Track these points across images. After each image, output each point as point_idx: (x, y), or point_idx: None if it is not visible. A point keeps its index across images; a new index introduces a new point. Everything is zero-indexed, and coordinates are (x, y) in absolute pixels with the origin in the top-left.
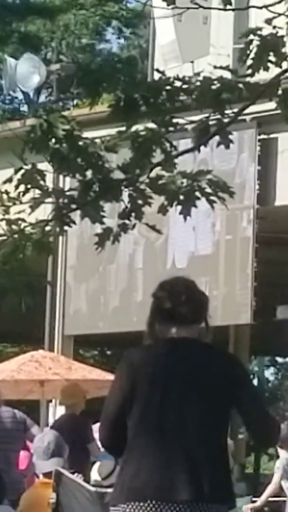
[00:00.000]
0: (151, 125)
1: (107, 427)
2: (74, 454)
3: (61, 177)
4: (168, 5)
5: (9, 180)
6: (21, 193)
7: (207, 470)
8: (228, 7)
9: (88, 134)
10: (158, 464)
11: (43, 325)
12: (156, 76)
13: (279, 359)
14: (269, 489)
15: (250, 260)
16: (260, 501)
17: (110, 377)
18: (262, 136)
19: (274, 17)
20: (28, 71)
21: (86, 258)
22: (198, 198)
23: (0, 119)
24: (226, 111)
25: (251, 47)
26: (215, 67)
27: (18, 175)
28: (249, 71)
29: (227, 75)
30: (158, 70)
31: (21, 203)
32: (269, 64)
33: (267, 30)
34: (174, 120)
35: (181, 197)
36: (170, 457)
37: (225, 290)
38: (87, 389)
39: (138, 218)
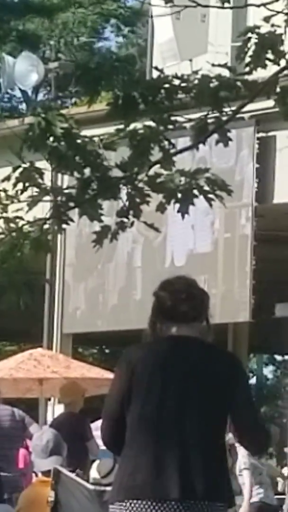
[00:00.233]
0: (150, 123)
1: (109, 426)
2: (73, 452)
3: (59, 175)
4: (166, 3)
5: (7, 178)
6: (19, 192)
7: (203, 469)
8: (226, 5)
9: (86, 132)
10: (155, 462)
11: (42, 323)
12: (155, 74)
13: (278, 357)
14: (246, 493)
15: (249, 258)
16: (244, 508)
17: (109, 375)
18: (261, 134)
19: (272, 15)
20: (26, 69)
21: (84, 257)
22: (196, 196)
23: None
24: (225, 109)
25: (249, 45)
26: (213, 65)
27: (16, 173)
28: (247, 69)
29: (225, 73)
30: (156, 68)
31: (19, 201)
32: (267, 62)
33: (265, 28)
34: (173, 118)
35: (179, 195)
36: (167, 455)
37: (224, 288)
38: (86, 387)
39: (136, 216)
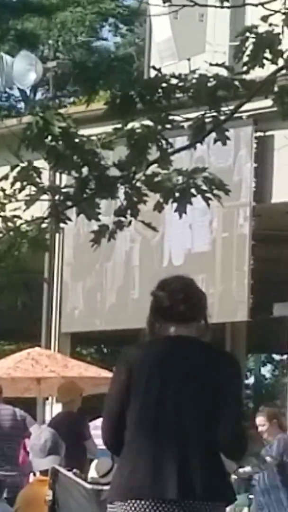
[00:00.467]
0: (147, 122)
1: (109, 426)
2: (71, 451)
3: (57, 174)
4: (164, 2)
5: (5, 177)
6: (17, 190)
7: (202, 469)
8: (224, 4)
9: (84, 131)
10: (154, 463)
11: (40, 322)
12: (152, 73)
13: (276, 356)
14: None
15: (247, 257)
16: None
17: (107, 374)
18: (259, 134)
19: (270, 15)
20: (24, 69)
21: (82, 256)
22: (194, 196)
23: None
24: (222, 109)
25: (247, 44)
26: (211, 64)
27: (14, 172)
28: (245, 68)
29: (223, 72)
30: (154, 68)
31: (17, 200)
32: (265, 62)
33: (263, 28)
34: (170, 118)
35: (177, 194)
36: (166, 456)
37: (222, 288)
38: (84, 386)
39: (134, 216)
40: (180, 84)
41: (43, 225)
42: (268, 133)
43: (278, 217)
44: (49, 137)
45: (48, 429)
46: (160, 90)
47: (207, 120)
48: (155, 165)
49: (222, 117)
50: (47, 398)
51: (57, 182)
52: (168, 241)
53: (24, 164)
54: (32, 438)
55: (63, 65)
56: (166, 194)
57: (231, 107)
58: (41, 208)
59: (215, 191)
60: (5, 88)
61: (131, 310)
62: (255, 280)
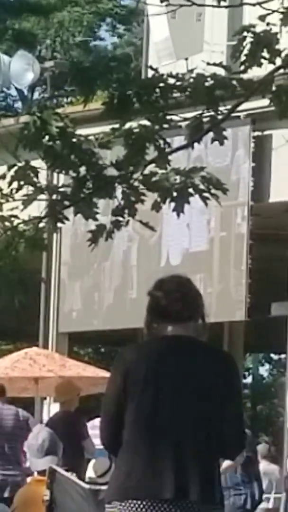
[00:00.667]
0: (145, 122)
1: (108, 427)
2: (68, 451)
3: (54, 174)
4: (161, 2)
5: (3, 177)
6: (14, 190)
7: (198, 469)
8: (222, 4)
9: (82, 131)
10: (151, 463)
11: (38, 322)
12: (150, 73)
13: (274, 356)
14: None
15: (245, 256)
16: None
17: (105, 374)
18: (256, 133)
19: (267, 14)
20: (22, 68)
21: (80, 255)
22: (192, 195)
23: None
24: (220, 108)
25: (244, 43)
26: (208, 63)
27: (12, 172)
28: (243, 67)
29: (221, 72)
30: (151, 67)
31: (14, 200)
32: (263, 61)
33: (260, 27)
34: (168, 117)
35: (175, 194)
36: (162, 456)
37: (220, 287)
38: (82, 386)
39: (131, 215)
40: (178, 83)
41: (41, 225)
42: (266, 133)
43: (276, 217)
44: (47, 137)
45: (46, 429)
46: (157, 90)
47: (204, 119)
48: (153, 164)
49: (220, 117)
50: (45, 398)
51: (55, 181)
52: (166, 240)
53: (22, 164)
54: (29, 438)
55: (60, 64)
56: (164, 193)
57: (229, 107)
58: (38, 208)
59: (213, 191)
60: (2, 88)
61: (129, 310)
62: (253, 279)
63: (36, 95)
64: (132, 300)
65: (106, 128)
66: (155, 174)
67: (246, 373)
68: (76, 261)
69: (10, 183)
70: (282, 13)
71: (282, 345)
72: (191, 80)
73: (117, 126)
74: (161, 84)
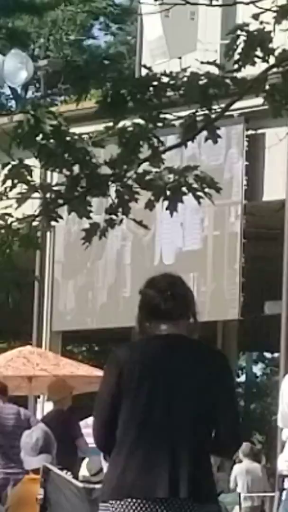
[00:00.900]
0: (139, 120)
1: (100, 427)
2: (62, 450)
3: (48, 172)
4: (155, 0)
5: None
6: (8, 188)
7: (192, 468)
8: (215, 2)
9: (75, 130)
10: (145, 462)
11: (31, 321)
12: (144, 72)
13: (267, 355)
14: None
15: (238, 255)
16: None
17: (98, 373)
18: (250, 132)
19: (261, 13)
20: (15, 67)
21: (74, 254)
22: (185, 194)
23: None
24: (213, 107)
25: (238, 42)
26: (202, 62)
27: (5, 170)
28: (236, 66)
29: (215, 70)
30: (145, 66)
31: (8, 198)
32: (256, 60)
33: (254, 26)
34: (162, 116)
35: (168, 192)
36: (157, 455)
37: (213, 286)
38: (75, 385)
39: (125, 214)
40: (172, 82)
41: (34, 223)
42: (259, 131)
43: (270, 215)
44: (40, 135)
45: (40, 428)
46: (151, 89)
47: (198, 118)
48: (147, 163)
49: (213, 115)
50: (38, 397)
51: (48, 180)
52: (159, 239)
53: (16, 162)
54: (24, 436)
55: (54, 63)
56: (158, 192)
57: (222, 105)
58: (32, 206)
59: (206, 189)
60: None
61: (122, 308)
62: (247, 278)
63: (29, 94)
64: (126, 298)
65: (100, 126)
66: (148, 172)
67: (240, 371)
68: (70, 260)
69: (3, 182)
70: (275, 11)
71: (275, 343)
72: (185, 78)
73: (111, 124)
74: (155, 83)
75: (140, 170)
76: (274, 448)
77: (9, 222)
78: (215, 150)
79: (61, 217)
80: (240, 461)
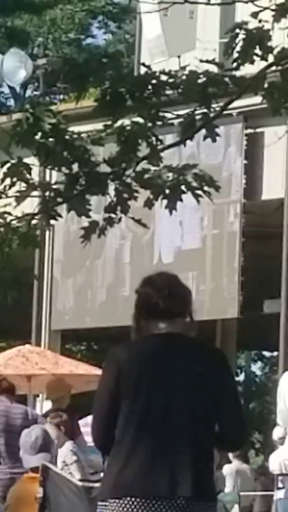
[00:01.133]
0: (137, 119)
1: (99, 426)
2: None
3: (47, 170)
4: None
5: None
6: (7, 187)
7: (192, 467)
8: (214, 1)
9: (74, 128)
10: (144, 460)
11: (30, 319)
12: (142, 70)
13: (266, 353)
14: None
15: (237, 254)
16: None
17: (97, 371)
18: (249, 130)
19: (260, 11)
20: (14, 66)
21: (73, 253)
22: (184, 192)
23: None
24: (212, 105)
25: (237, 40)
26: (201, 61)
27: (4, 169)
28: (235, 64)
29: (213, 69)
30: (144, 64)
31: (7, 196)
32: (255, 58)
33: (253, 24)
34: (160, 114)
35: (167, 191)
36: (156, 453)
37: (212, 285)
38: (74, 384)
39: (124, 212)
40: (170, 80)
41: (34, 222)
42: (258, 130)
43: (269, 214)
44: (39, 134)
45: (39, 426)
46: (150, 87)
47: (197, 116)
48: (145, 161)
49: (212, 114)
50: (38, 395)
51: (47, 178)
52: (158, 238)
53: (14, 161)
54: (23, 435)
55: (53, 62)
56: (157, 190)
57: (221, 104)
58: (31, 205)
59: (205, 188)
60: None
61: (121, 307)
62: (246, 277)
63: (28, 93)
64: (125, 297)
65: (99, 125)
66: (147, 171)
67: (239, 370)
68: (69, 259)
69: (2, 180)
70: (274, 10)
71: (274, 342)
72: (184, 77)
73: (109, 123)
74: (154, 81)
75: (139, 168)
76: (274, 447)
77: (8, 220)
78: (214, 148)
79: (60, 216)
80: (230, 462)
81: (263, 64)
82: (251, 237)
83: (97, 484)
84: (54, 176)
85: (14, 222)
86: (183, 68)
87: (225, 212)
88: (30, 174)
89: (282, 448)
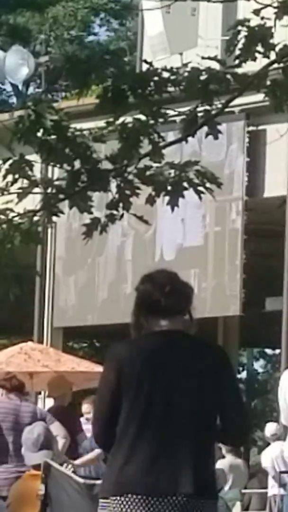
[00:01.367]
0: (139, 116)
1: (100, 424)
2: None
3: (49, 167)
4: None
5: None
6: (9, 183)
7: (194, 464)
8: None
9: (76, 125)
10: (146, 458)
11: (32, 317)
12: (144, 67)
13: (268, 351)
14: None
15: (239, 252)
16: None
17: (99, 369)
18: (251, 128)
19: (262, 8)
20: (16, 63)
21: (75, 250)
22: (186, 189)
23: None
24: (214, 102)
25: (239, 38)
26: (203, 58)
27: (6, 165)
28: (237, 61)
29: (215, 66)
30: (146, 61)
31: (9, 193)
32: (257, 55)
33: (255, 21)
34: (162, 111)
35: (169, 187)
36: (157, 451)
37: (214, 282)
38: (76, 381)
39: (126, 209)
40: (172, 77)
41: (36, 218)
42: (260, 127)
43: (271, 211)
44: (41, 130)
45: (41, 424)
46: (152, 84)
47: (199, 114)
48: (147, 158)
49: (214, 111)
50: (40, 393)
51: (49, 175)
52: (160, 235)
53: (17, 157)
54: (25, 432)
55: (55, 59)
56: (158, 187)
57: (223, 101)
58: (33, 201)
59: (207, 185)
60: None
61: (123, 304)
62: (248, 274)
63: (30, 90)
64: (127, 295)
65: (101, 123)
66: (149, 167)
67: (241, 368)
68: (71, 256)
69: (5, 177)
70: (276, 7)
71: (276, 340)
72: (186, 74)
73: (111, 119)
74: (156, 78)
75: (141, 165)
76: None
77: (10, 217)
78: (216, 146)
79: (62, 212)
80: (223, 457)
81: (265, 61)
82: (253, 235)
83: (98, 481)
84: (56, 173)
85: (16, 218)
86: (185, 65)
87: (227, 210)
88: (32, 171)
89: (274, 444)
